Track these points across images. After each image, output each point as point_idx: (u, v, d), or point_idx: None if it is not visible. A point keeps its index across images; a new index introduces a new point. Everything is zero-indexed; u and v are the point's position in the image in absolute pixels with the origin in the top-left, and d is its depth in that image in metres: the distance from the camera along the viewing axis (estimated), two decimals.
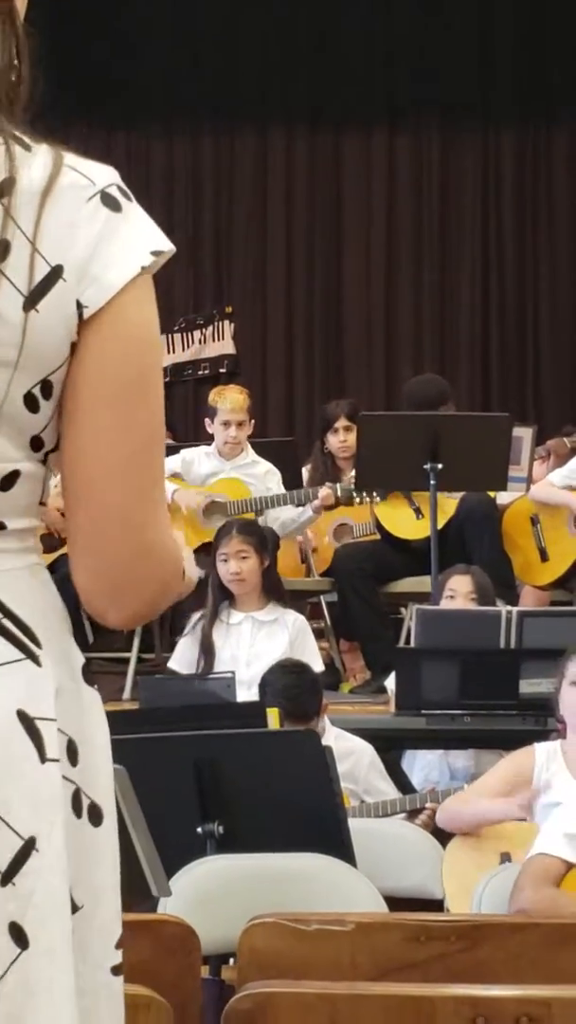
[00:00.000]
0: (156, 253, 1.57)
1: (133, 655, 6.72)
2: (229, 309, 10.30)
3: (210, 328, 10.28)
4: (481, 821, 4.09)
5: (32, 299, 1.52)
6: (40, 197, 1.54)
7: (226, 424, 6.76)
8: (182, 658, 5.84)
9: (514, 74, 10.42)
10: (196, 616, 5.85)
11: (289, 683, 4.74)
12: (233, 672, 5.35)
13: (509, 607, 5.50)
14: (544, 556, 6.62)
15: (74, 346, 1.54)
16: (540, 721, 4.89)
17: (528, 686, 4.99)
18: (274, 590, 5.88)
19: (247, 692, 5.13)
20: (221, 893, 3.39)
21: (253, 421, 6.94)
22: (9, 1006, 1.50)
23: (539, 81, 10.37)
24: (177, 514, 6.60)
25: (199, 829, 3.68)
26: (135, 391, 1.56)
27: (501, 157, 10.47)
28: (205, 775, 3.71)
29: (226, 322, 10.29)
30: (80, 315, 1.54)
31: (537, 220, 10.51)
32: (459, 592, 5.52)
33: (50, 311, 1.53)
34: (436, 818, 4.23)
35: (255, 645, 5.72)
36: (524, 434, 6.84)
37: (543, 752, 4.28)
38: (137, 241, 1.57)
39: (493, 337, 10.39)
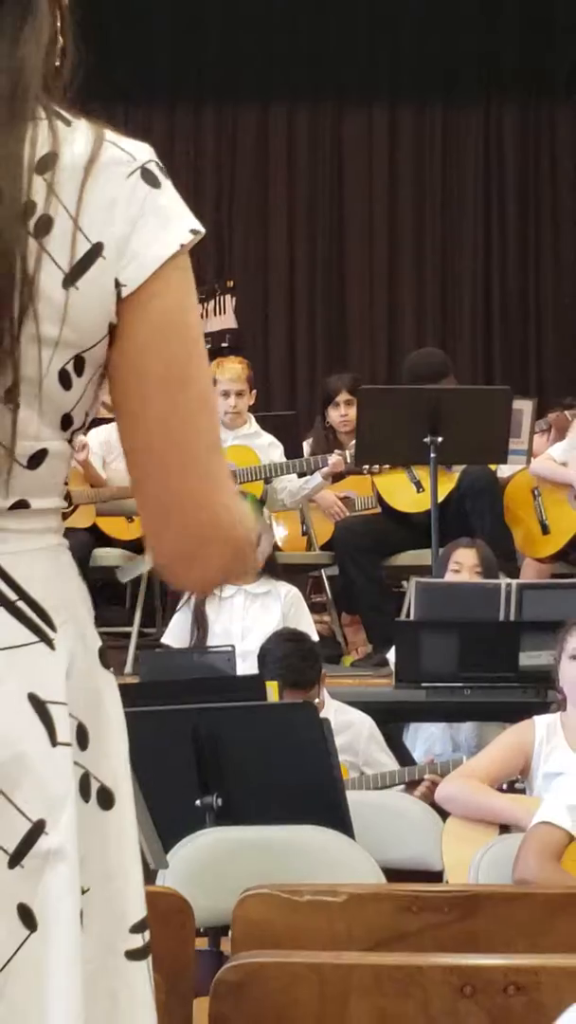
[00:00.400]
0: (194, 232, 1.56)
1: (134, 630, 6.73)
2: (231, 283, 10.27)
3: (212, 303, 10.25)
4: (488, 816, 4.07)
5: (72, 276, 1.52)
6: (82, 172, 1.53)
7: (225, 394, 6.77)
8: (176, 632, 5.85)
9: (517, 49, 10.38)
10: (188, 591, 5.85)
11: (288, 651, 4.76)
12: (233, 646, 5.36)
13: (509, 579, 5.50)
14: (545, 529, 6.62)
15: (112, 327, 1.54)
16: (540, 693, 4.90)
17: (528, 658, 5.00)
18: (267, 563, 5.88)
19: (242, 665, 5.14)
20: (219, 865, 3.40)
21: (255, 392, 6.95)
22: (19, 988, 1.50)
23: (542, 56, 10.33)
24: None
25: (198, 802, 3.70)
26: (183, 367, 1.55)
27: (503, 131, 10.44)
28: (204, 748, 3.72)
29: (228, 296, 10.26)
30: (119, 294, 1.53)
31: (539, 194, 10.49)
32: (465, 565, 5.52)
33: (90, 289, 1.52)
34: (436, 797, 4.22)
35: (248, 618, 5.73)
36: (524, 407, 6.83)
37: (543, 725, 4.29)
38: (176, 218, 1.57)
39: (495, 310, 10.38)
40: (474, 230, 10.41)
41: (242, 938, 2.48)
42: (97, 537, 6.85)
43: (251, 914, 2.53)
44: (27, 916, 1.51)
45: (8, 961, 1.50)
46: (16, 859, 1.50)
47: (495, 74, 10.40)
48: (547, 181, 10.50)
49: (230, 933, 3.03)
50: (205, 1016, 2.05)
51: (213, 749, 3.73)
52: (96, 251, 1.52)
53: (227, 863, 3.38)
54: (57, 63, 1.64)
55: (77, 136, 1.56)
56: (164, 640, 5.93)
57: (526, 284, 10.44)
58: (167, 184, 1.58)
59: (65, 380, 1.54)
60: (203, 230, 1.57)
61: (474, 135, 10.42)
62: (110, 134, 1.58)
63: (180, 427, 1.57)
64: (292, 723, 3.88)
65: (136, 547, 6.98)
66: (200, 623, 5.76)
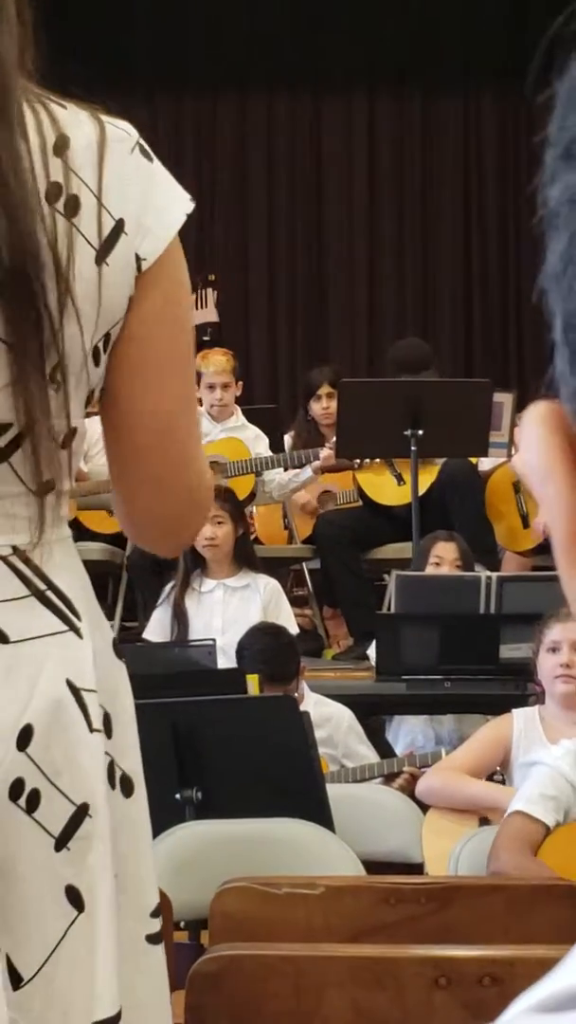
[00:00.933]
0: (191, 201, 1.64)
1: (116, 624, 6.73)
2: (212, 277, 10.27)
3: (193, 296, 10.26)
4: (469, 803, 4.07)
5: (103, 253, 1.55)
6: (97, 153, 1.58)
7: (211, 387, 6.77)
8: (156, 628, 5.84)
9: (496, 34, 10.38)
10: (168, 587, 5.85)
11: (267, 645, 4.76)
12: (214, 640, 5.35)
13: (489, 572, 5.51)
14: (526, 522, 6.63)
15: (130, 299, 1.57)
16: (520, 686, 4.91)
17: (508, 651, 5.01)
18: (246, 557, 5.88)
19: (223, 659, 5.14)
20: (199, 859, 3.40)
21: (241, 383, 6.95)
22: (69, 968, 1.53)
23: (521, 41, 10.33)
24: None
25: (178, 795, 3.69)
26: (185, 343, 1.61)
27: (482, 118, 10.44)
28: (184, 741, 3.72)
29: (209, 290, 10.26)
30: (139, 267, 1.57)
31: (520, 183, 10.49)
32: (445, 559, 5.53)
33: (118, 264, 1.56)
34: (417, 792, 4.22)
35: (228, 612, 5.72)
36: (505, 399, 6.84)
37: (521, 717, 4.29)
38: (175, 191, 1.64)
39: (475, 302, 10.39)
40: (454, 221, 10.42)
41: (219, 931, 2.49)
42: (78, 531, 6.84)
43: (229, 907, 2.54)
44: (75, 897, 1.53)
45: (60, 941, 1.53)
46: (62, 842, 1.53)
47: (475, 60, 10.40)
48: (526, 169, 10.50)
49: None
50: (182, 1009, 2.05)
51: (193, 743, 3.73)
52: (120, 227, 1.57)
53: (207, 857, 3.38)
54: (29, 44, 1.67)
55: (78, 117, 1.61)
56: (145, 636, 5.93)
57: (506, 276, 10.45)
58: (156, 159, 1.65)
59: (96, 357, 1.57)
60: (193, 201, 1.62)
61: (454, 122, 10.42)
62: (102, 114, 1.63)
63: (185, 395, 1.62)
64: (272, 716, 3.88)
65: (117, 540, 6.98)
66: (180, 618, 5.76)
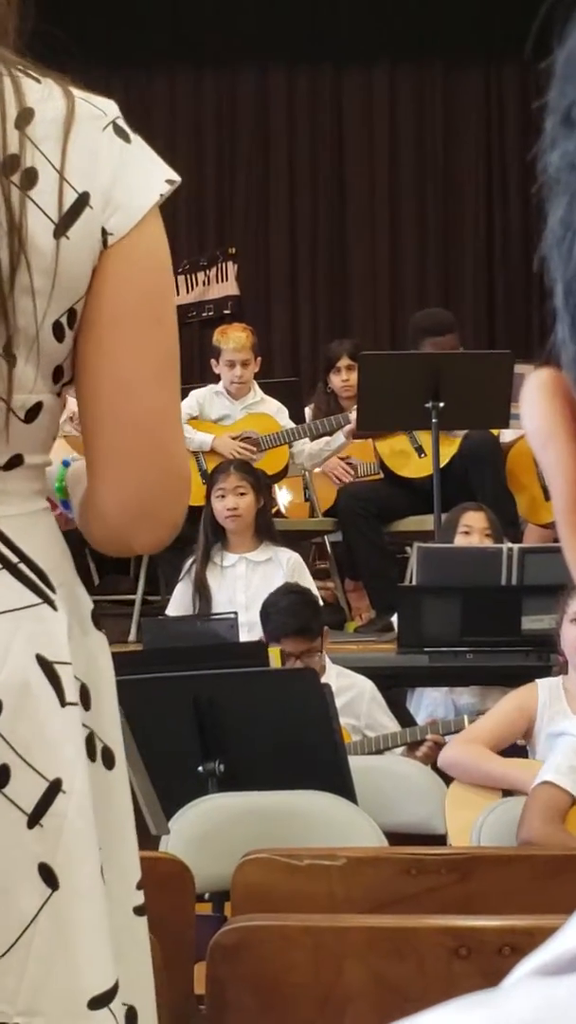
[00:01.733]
0: (170, 181, 1.64)
1: (138, 597, 6.75)
2: (232, 250, 10.26)
3: (213, 269, 10.25)
4: (491, 782, 4.06)
5: (63, 226, 1.55)
6: (63, 127, 1.58)
7: (231, 364, 6.75)
8: (179, 603, 5.85)
9: (516, 5, 10.31)
10: (189, 561, 5.86)
11: (293, 601, 4.83)
12: (236, 613, 5.36)
13: (511, 544, 5.50)
14: (548, 494, 6.59)
15: (94, 273, 1.57)
16: (543, 657, 4.90)
17: (530, 622, 5.00)
18: (267, 530, 5.89)
19: (247, 635, 5.14)
20: (222, 831, 3.41)
21: (259, 359, 6.93)
22: (45, 944, 1.52)
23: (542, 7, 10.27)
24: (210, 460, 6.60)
25: (200, 768, 3.70)
26: (155, 311, 1.59)
27: (504, 91, 10.39)
28: (206, 715, 3.73)
29: (229, 263, 10.25)
30: (104, 242, 1.56)
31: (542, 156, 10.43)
32: (475, 528, 5.52)
33: (80, 238, 1.55)
34: (440, 763, 4.22)
35: (251, 587, 5.72)
36: (526, 371, 6.81)
37: (545, 688, 4.29)
38: (152, 169, 1.64)
39: (497, 274, 10.35)
40: (476, 193, 10.38)
41: (241, 902, 2.50)
42: None
43: (250, 878, 2.55)
44: (48, 875, 1.52)
45: (33, 919, 1.52)
46: (35, 819, 1.52)
47: (496, 32, 10.34)
48: None
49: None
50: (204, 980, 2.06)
51: (215, 715, 3.74)
52: (83, 200, 1.56)
53: (229, 829, 3.40)
54: (6, 10, 1.66)
55: (51, 92, 1.61)
56: (168, 612, 5.94)
57: (529, 247, 10.41)
58: (135, 138, 1.65)
59: (59, 332, 1.56)
60: (179, 179, 1.61)
61: (475, 94, 10.37)
62: (78, 91, 1.62)
63: (155, 363, 1.59)
64: (294, 689, 3.89)
65: None
66: (202, 593, 5.77)
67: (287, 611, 4.77)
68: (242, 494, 5.78)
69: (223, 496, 5.77)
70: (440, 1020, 0.48)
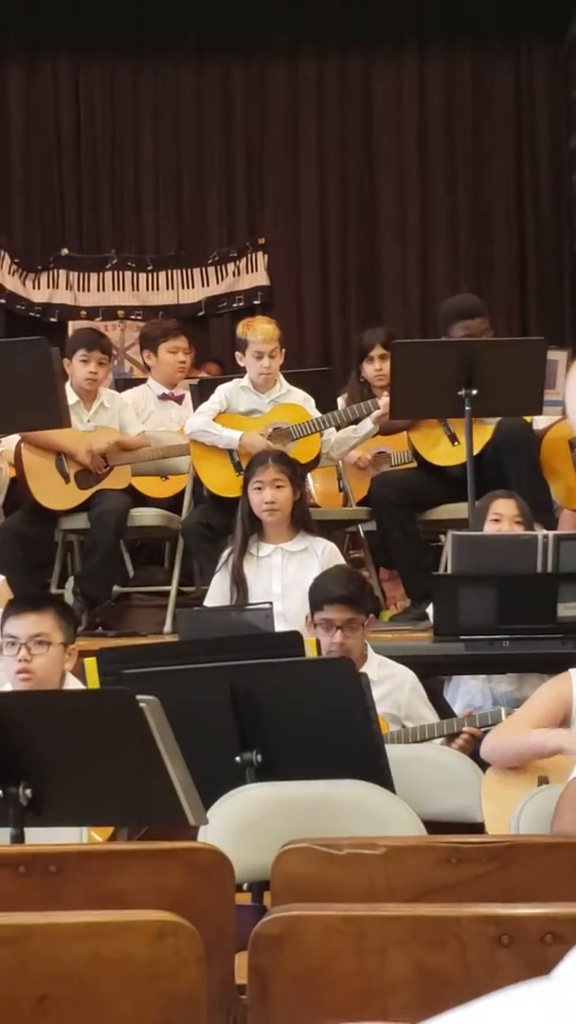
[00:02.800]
0: None
1: (173, 588, 6.75)
2: (262, 241, 10.25)
3: (244, 260, 10.24)
4: (533, 752, 4.04)
5: None
6: None
7: (259, 355, 6.72)
8: (216, 594, 5.85)
9: None
10: (226, 553, 5.86)
11: (342, 572, 5.01)
12: (271, 603, 5.36)
13: (546, 531, 5.48)
14: None
15: None
16: None
17: (566, 609, 4.98)
18: (303, 521, 5.88)
19: (282, 624, 5.14)
20: (260, 821, 3.41)
21: (284, 351, 6.91)
22: None
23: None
24: (222, 461, 6.60)
25: (238, 758, 3.70)
26: None
27: (534, 77, 10.35)
28: (243, 705, 3.73)
29: (260, 254, 10.24)
30: None
31: (572, 142, 10.40)
32: (505, 515, 5.50)
33: None
34: (481, 753, 4.21)
35: (287, 576, 5.73)
36: (559, 357, 6.80)
37: None
38: None
39: (529, 260, 10.32)
40: (506, 180, 10.34)
41: (281, 892, 2.49)
42: (133, 497, 6.86)
43: (290, 868, 2.54)
44: None
45: None
46: None
47: (524, 19, 10.30)
48: None
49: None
50: (246, 970, 2.06)
51: (252, 705, 3.73)
52: None
53: (268, 819, 3.39)
54: None
55: None
56: (206, 603, 5.93)
57: (560, 234, 10.37)
58: None
59: None
60: None
61: (505, 79, 10.32)
62: None
63: None
64: (331, 678, 3.88)
65: (172, 505, 7.00)
66: (239, 584, 5.76)
67: (334, 580, 4.89)
68: (279, 487, 5.77)
69: (260, 488, 5.76)
70: (506, 1007, 0.48)
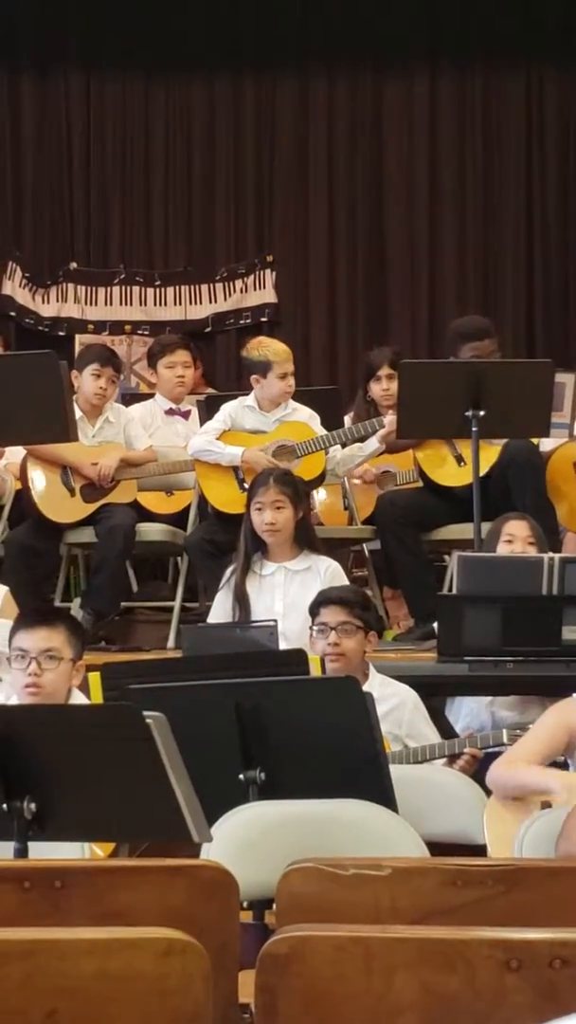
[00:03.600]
0: None
1: (177, 604, 6.75)
2: (270, 258, 10.26)
3: (252, 277, 10.25)
4: (535, 792, 4.04)
5: None
6: None
7: (283, 375, 6.69)
8: (219, 612, 5.84)
9: (558, 15, 10.30)
10: (229, 571, 5.86)
11: (348, 588, 5.16)
12: (275, 620, 5.36)
13: (552, 554, 5.48)
14: None
15: None
16: None
17: (570, 632, 4.99)
18: (306, 540, 5.87)
19: (284, 645, 5.14)
20: (263, 839, 3.41)
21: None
22: None
23: None
24: (227, 478, 6.60)
25: (241, 776, 3.70)
26: None
27: (545, 98, 10.36)
28: (247, 722, 3.73)
29: (267, 271, 10.25)
30: None
31: None
32: (518, 536, 5.50)
33: None
34: (487, 781, 4.21)
35: (289, 595, 5.72)
36: (567, 380, 6.81)
37: None
38: None
39: (537, 282, 10.32)
40: (516, 201, 10.35)
41: (287, 911, 2.49)
42: (138, 512, 6.87)
43: (296, 887, 2.54)
44: None
45: None
46: None
47: (536, 40, 10.32)
48: None
49: (274, 906, 3.04)
50: (250, 989, 2.05)
51: (256, 723, 3.74)
52: None
53: (271, 837, 3.39)
54: None
55: None
56: (209, 621, 5.93)
57: (568, 256, 10.38)
58: None
59: None
60: None
61: (515, 102, 10.34)
62: None
63: None
64: (335, 697, 3.88)
65: (176, 522, 7.00)
66: (242, 602, 5.76)
67: (342, 593, 4.99)
68: (280, 508, 5.76)
69: (261, 509, 5.76)
70: None
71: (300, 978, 1.88)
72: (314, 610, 4.99)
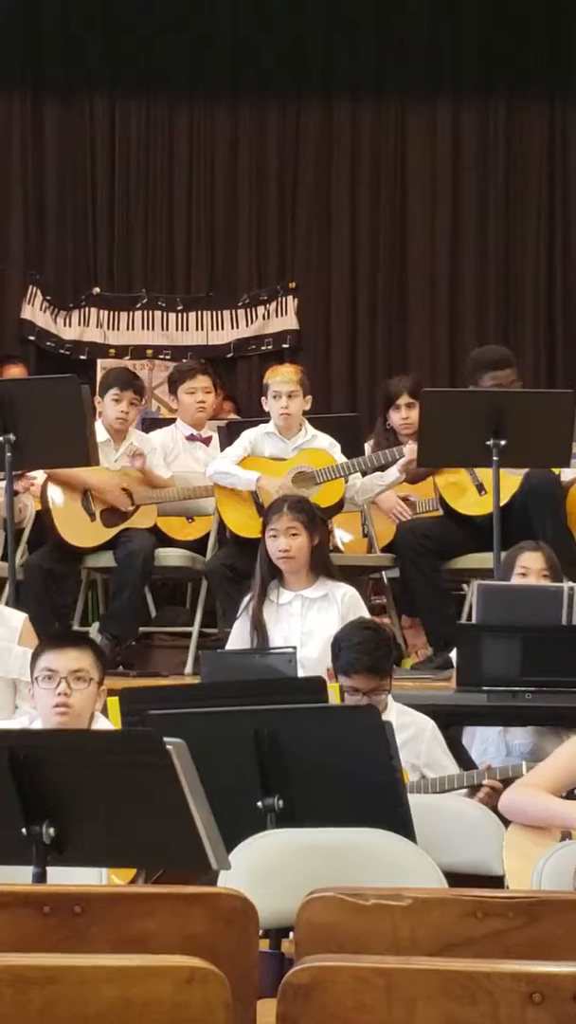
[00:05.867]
0: None
1: (195, 630, 6.75)
2: (293, 285, 10.28)
3: (274, 304, 10.27)
4: (550, 821, 4.02)
5: None
6: None
7: (277, 395, 6.75)
8: (237, 640, 5.84)
9: None
10: (246, 599, 5.85)
11: (366, 638, 4.82)
12: (295, 647, 5.35)
13: (572, 583, 5.47)
14: None
15: None
16: None
17: None
18: (323, 566, 5.86)
19: (302, 673, 5.13)
20: (281, 867, 3.40)
21: (309, 397, 6.91)
22: None
23: None
24: (245, 503, 6.61)
25: (260, 803, 3.69)
26: None
27: (567, 130, 10.38)
28: (266, 749, 3.72)
29: (289, 297, 10.27)
30: None
31: None
32: (532, 569, 5.48)
33: None
34: (499, 806, 4.20)
35: (306, 624, 5.71)
36: None
37: None
38: None
39: (558, 312, 10.33)
40: (537, 231, 10.36)
41: (307, 941, 2.48)
42: (158, 538, 6.87)
43: (316, 917, 2.53)
44: None
45: None
46: None
47: (560, 72, 10.34)
48: None
49: (292, 935, 3.03)
50: (268, 1018, 2.05)
51: (275, 751, 3.73)
52: None
53: (288, 865, 3.38)
54: None
55: None
56: (227, 648, 5.93)
57: None
58: None
59: None
60: None
61: (538, 134, 10.36)
62: None
63: None
64: (354, 726, 3.87)
65: (197, 547, 7.00)
66: (259, 630, 5.75)
67: (360, 648, 4.76)
68: (294, 535, 5.75)
69: (275, 536, 5.75)
70: None
71: (321, 1008, 1.87)
72: (343, 671, 4.80)
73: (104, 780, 3.05)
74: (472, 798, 4.63)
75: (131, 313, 10.18)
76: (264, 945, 3.38)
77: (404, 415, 7.18)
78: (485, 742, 5.37)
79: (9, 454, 6.16)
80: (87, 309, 10.16)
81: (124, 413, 6.93)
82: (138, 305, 10.18)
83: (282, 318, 10.26)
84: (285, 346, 10.22)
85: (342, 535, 7.21)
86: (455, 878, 3.64)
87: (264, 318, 10.27)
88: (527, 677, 5.04)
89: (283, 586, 5.82)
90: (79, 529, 6.73)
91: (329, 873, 3.22)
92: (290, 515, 5.75)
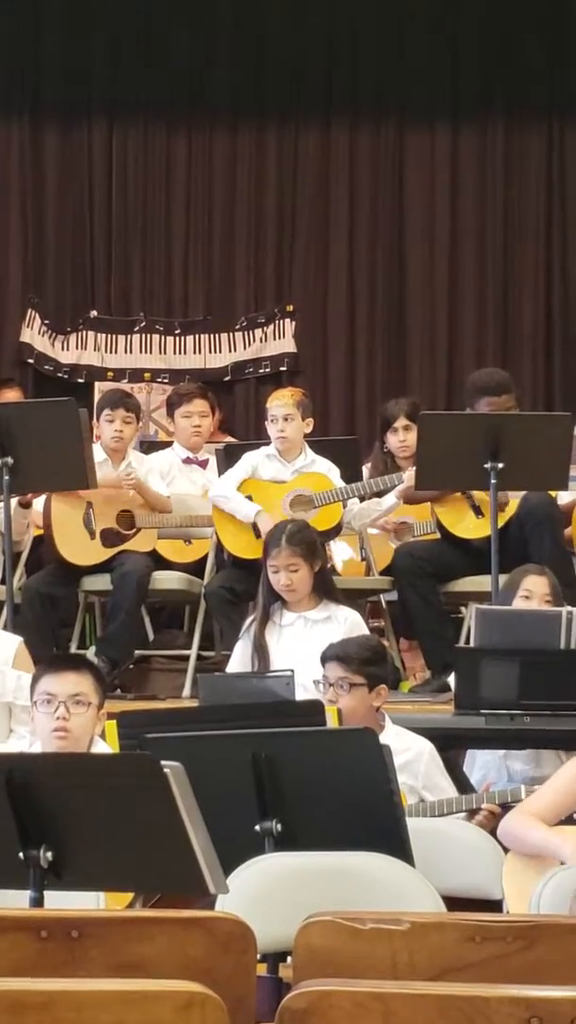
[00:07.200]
0: None
1: (193, 653, 6.75)
2: (290, 308, 10.29)
3: (271, 326, 10.28)
4: (542, 852, 4.01)
5: None
6: None
7: (272, 419, 6.78)
8: (238, 662, 5.85)
9: None
10: (249, 620, 5.86)
11: (363, 643, 5.03)
12: (292, 670, 5.35)
13: (570, 607, 5.47)
14: None
15: None
16: None
17: None
18: (325, 589, 5.88)
19: (302, 693, 5.13)
20: (279, 891, 3.39)
21: (311, 420, 6.92)
22: None
23: None
24: (243, 526, 6.62)
25: (257, 827, 3.68)
26: None
27: (565, 151, 10.40)
28: (263, 773, 3.71)
29: (287, 320, 10.28)
30: None
31: None
32: (535, 593, 5.48)
33: None
34: (498, 833, 4.19)
35: (308, 645, 5.71)
36: None
37: None
38: None
39: (556, 335, 10.34)
40: (535, 255, 10.37)
41: (304, 965, 2.48)
42: (156, 560, 6.87)
43: (314, 941, 2.53)
44: None
45: None
46: None
47: (558, 93, 10.37)
48: None
49: (289, 959, 3.02)
50: None
51: (272, 774, 3.72)
52: None
53: (286, 889, 3.38)
54: None
55: None
56: (228, 670, 5.93)
57: None
58: None
59: None
60: None
61: (536, 155, 10.38)
62: None
63: None
64: (353, 749, 3.87)
65: (194, 570, 7.00)
66: (260, 652, 5.76)
67: (357, 651, 4.93)
68: (294, 570, 5.78)
69: (276, 572, 5.78)
70: None
71: None
72: (321, 664, 4.99)
73: (101, 804, 3.04)
74: (470, 821, 4.63)
75: (129, 336, 10.18)
76: (262, 969, 3.37)
77: (402, 438, 7.19)
78: (485, 767, 5.36)
79: (7, 477, 6.17)
80: (85, 332, 10.17)
81: (119, 432, 6.92)
82: (136, 328, 10.19)
83: (280, 341, 10.27)
84: (283, 369, 10.23)
85: (340, 550, 7.22)
86: (454, 902, 3.63)
87: (262, 341, 10.28)
88: (525, 701, 5.04)
89: (286, 608, 5.84)
90: (77, 546, 6.72)
91: (327, 897, 3.21)
92: (289, 551, 5.77)
